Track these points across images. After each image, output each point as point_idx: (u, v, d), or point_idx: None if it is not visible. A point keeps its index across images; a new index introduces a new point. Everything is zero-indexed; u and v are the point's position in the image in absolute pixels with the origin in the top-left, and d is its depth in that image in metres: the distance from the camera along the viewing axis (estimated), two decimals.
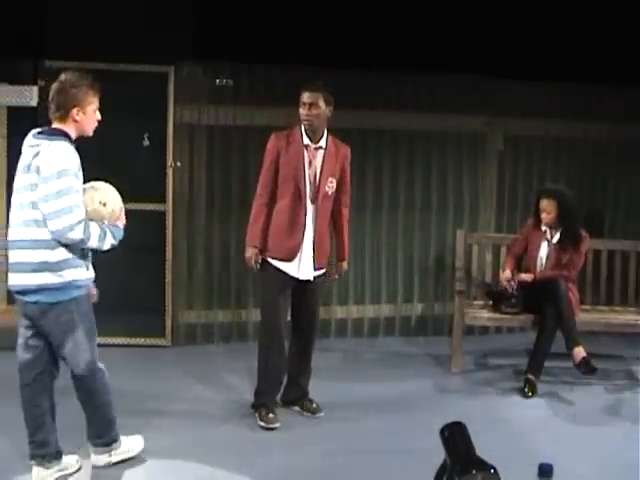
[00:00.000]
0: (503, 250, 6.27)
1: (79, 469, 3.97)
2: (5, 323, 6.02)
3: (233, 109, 6.30)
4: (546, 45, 6.38)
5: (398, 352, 6.44)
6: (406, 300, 6.90)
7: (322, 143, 4.74)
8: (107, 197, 3.87)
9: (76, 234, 3.63)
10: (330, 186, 4.74)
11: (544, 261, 5.83)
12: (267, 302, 4.83)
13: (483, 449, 2.09)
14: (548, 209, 5.76)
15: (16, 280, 3.75)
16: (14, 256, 3.75)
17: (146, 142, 6.14)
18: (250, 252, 4.72)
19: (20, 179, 3.76)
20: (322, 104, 4.66)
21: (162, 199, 6.15)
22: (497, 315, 5.93)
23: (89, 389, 3.90)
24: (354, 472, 4.13)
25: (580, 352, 5.33)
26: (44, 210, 3.63)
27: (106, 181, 3.98)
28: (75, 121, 3.76)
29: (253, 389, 4.92)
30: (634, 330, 6.00)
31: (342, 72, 6.32)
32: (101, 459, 4.03)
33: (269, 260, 4.72)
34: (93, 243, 3.72)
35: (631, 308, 6.29)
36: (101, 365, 3.93)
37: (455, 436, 2.07)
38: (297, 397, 4.95)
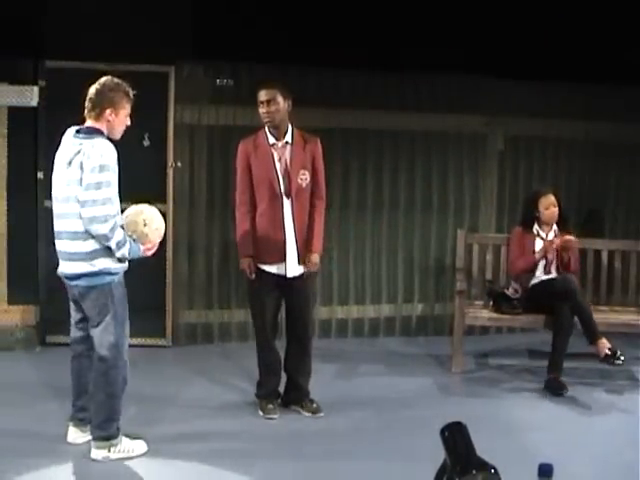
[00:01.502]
0: (503, 250, 6.26)
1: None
2: (5, 323, 6.03)
3: (233, 109, 6.30)
4: (546, 45, 6.38)
5: (398, 352, 6.44)
6: (406, 300, 6.89)
7: (288, 138, 4.74)
8: (152, 220, 4.09)
9: (105, 227, 3.85)
10: (303, 178, 4.73)
11: (545, 258, 5.82)
12: (254, 304, 4.89)
13: (483, 449, 2.09)
14: (555, 203, 5.85)
15: (60, 267, 4.07)
16: (59, 245, 4.05)
17: (146, 142, 6.13)
18: (245, 262, 4.76)
19: (61, 173, 4.00)
20: (280, 99, 4.66)
21: (162, 199, 6.15)
22: (497, 315, 5.93)
23: (105, 374, 4.02)
24: (354, 472, 4.12)
25: (604, 344, 5.30)
26: (82, 197, 3.87)
27: None
28: (107, 121, 4.03)
29: (253, 389, 4.99)
30: (634, 330, 5.99)
31: (342, 72, 6.34)
32: (99, 453, 4.06)
33: (258, 265, 4.75)
34: (112, 244, 3.91)
35: (631, 308, 6.28)
36: (126, 359, 4.10)
37: (455, 436, 2.07)
38: (297, 397, 4.95)
